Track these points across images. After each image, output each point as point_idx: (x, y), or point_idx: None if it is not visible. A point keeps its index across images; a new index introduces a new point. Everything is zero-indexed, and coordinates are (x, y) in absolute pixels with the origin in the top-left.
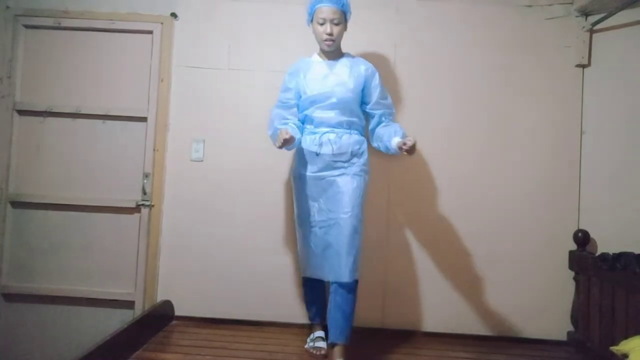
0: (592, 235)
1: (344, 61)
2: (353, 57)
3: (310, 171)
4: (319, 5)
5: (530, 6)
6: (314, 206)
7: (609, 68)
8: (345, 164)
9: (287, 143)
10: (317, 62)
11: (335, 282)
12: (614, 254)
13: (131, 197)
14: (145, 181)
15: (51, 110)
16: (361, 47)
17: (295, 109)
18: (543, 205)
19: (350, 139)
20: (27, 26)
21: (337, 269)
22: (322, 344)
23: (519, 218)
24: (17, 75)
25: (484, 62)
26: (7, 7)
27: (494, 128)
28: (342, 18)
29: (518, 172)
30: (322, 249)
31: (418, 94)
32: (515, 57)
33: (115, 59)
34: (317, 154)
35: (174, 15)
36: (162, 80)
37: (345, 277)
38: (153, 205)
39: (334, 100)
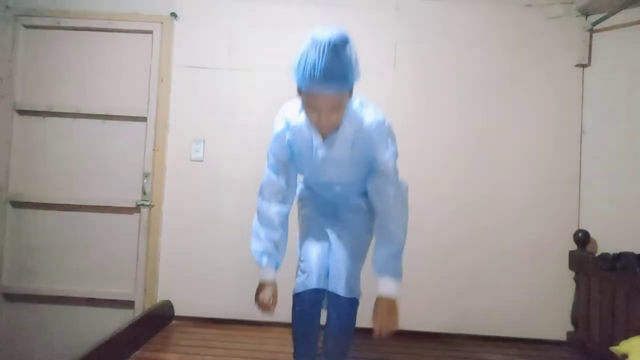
0: (592, 235)
1: (343, 135)
2: (355, 117)
3: (316, 205)
4: (307, 89)
5: (530, 6)
6: (326, 216)
7: (609, 68)
8: (354, 205)
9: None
10: (308, 137)
11: (333, 301)
12: (614, 254)
13: (131, 197)
14: (145, 181)
15: (51, 110)
16: (361, 47)
17: (286, 179)
18: (543, 206)
19: (355, 196)
20: (26, 26)
21: (335, 280)
22: None
23: (519, 218)
24: (17, 75)
25: (484, 62)
26: (7, 7)
27: (494, 128)
28: (345, 95)
29: (518, 172)
30: (323, 256)
31: (418, 94)
32: (516, 56)
33: (115, 59)
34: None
35: (173, 15)
36: (162, 80)
37: (342, 291)
38: (153, 205)
39: (336, 186)
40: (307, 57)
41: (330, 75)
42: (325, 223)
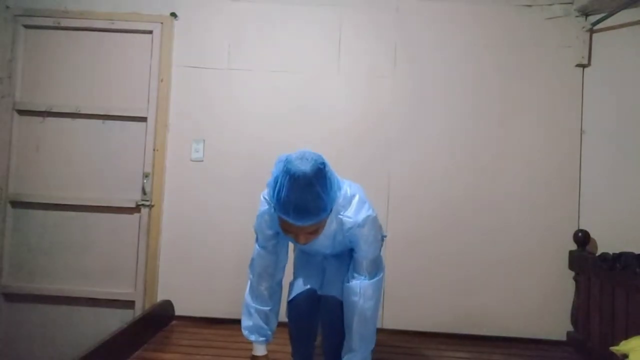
0: (592, 235)
1: (324, 234)
2: (336, 220)
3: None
4: (283, 216)
5: (530, 6)
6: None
7: (609, 68)
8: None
9: None
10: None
11: (326, 307)
12: (614, 254)
13: (131, 197)
14: (145, 181)
15: (51, 110)
16: (361, 47)
17: (275, 250)
18: (543, 205)
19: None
20: (26, 26)
21: (331, 284)
22: None
23: (519, 218)
24: (17, 75)
25: (484, 62)
26: (7, 7)
27: (494, 128)
28: (321, 222)
29: (518, 172)
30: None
31: (418, 94)
32: (515, 56)
33: (115, 59)
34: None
35: (173, 15)
36: (162, 80)
37: (336, 292)
38: (153, 205)
39: (326, 252)
40: (281, 190)
41: (305, 212)
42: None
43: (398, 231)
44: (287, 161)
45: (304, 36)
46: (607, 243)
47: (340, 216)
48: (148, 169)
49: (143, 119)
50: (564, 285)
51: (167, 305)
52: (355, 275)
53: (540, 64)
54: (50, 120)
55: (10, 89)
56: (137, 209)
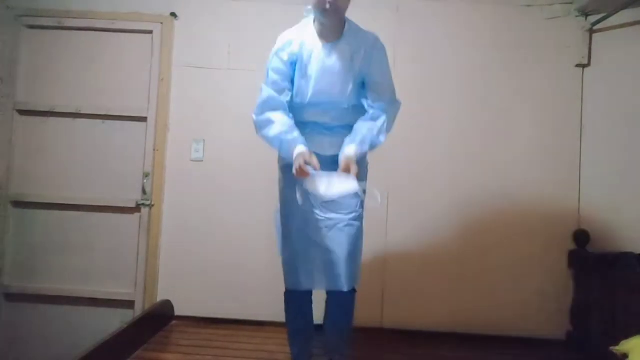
0: (592, 235)
1: (343, 45)
2: (355, 30)
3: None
4: None
5: (530, 6)
6: (307, 204)
7: (609, 68)
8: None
9: (303, 175)
10: (316, 50)
11: (332, 292)
12: (614, 253)
13: (131, 197)
14: (145, 181)
15: (52, 110)
16: None
17: (286, 97)
18: (543, 205)
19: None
20: (28, 26)
21: (335, 276)
22: None
23: (518, 218)
24: (18, 76)
25: (484, 62)
26: (9, 8)
27: (494, 128)
28: None
29: (518, 172)
30: (317, 252)
31: (418, 94)
32: (516, 56)
33: (116, 59)
34: (315, 153)
35: (174, 15)
36: (162, 80)
37: (345, 286)
38: (153, 205)
39: (329, 108)
40: None
41: None
42: (311, 206)
43: (398, 231)
44: None
45: None
46: (607, 243)
47: (358, 27)
48: (148, 169)
49: (143, 119)
50: (564, 284)
51: (167, 305)
52: (374, 105)
53: (540, 64)
54: (52, 120)
55: (12, 89)
56: (137, 209)
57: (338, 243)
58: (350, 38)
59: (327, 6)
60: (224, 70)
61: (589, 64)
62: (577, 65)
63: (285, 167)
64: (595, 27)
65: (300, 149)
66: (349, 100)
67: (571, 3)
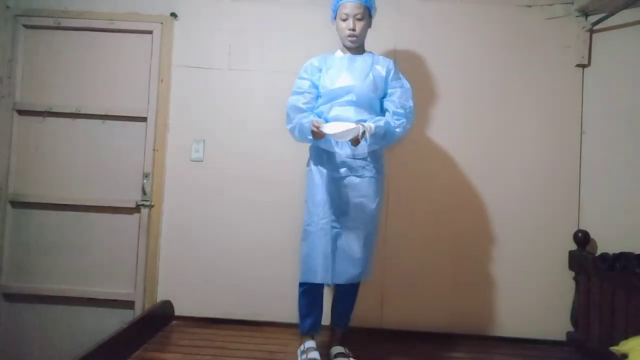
0: (592, 235)
1: (365, 57)
2: (375, 55)
3: (327, 168)
4: (342, 1)
5: (530, 6)
6: (326, 205)
7: (609, 68)
8: (364, 164)
9: (316, 136)
10: (339, 57)
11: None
12: (614, 254)
13: (131, 197)
14: (145, 181)
15: (51, 110)
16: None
17: (310, 97)
18: (543, 206)
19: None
20: (26, 26)
21: (349, 271)
22: (316, 354)
23: (518, 218)
24: (17, 75)
25: (484, 62)
26: (7, 7)
27: (494, 128)
28: (366, 14)
29: (518, 172)
30: (333, 250)
31: (418, 94)
32: (516, 56)
33: (115, 59)
34: (335, 152)
35: (173, 15)
36: (162, 80)
37: (357, 279)
38: (153, 205)
39: (352, 96)
40: None
41: None
42: (330, 207)
43: (397, 231)
44: None
45: (304, 36)
46: (607, 243)
47: (380, 55)
48: (148, 169)
49: (143, 119)
50: (564, 285)
51: (167, 305)
52: (396, 110)
53: (540, 64)
54: (50, 120)
55: (10, 89)
56: (137, 209)
57: (351, 241)
58: (370, 56)
59: (347, 33)
60: (224, 70)
61: (589, 64)
62: (577, 65)
63: (313, 172)
64: (595, 27)
65: (311, 117)
66: (369, 89)
67: (571, 3)
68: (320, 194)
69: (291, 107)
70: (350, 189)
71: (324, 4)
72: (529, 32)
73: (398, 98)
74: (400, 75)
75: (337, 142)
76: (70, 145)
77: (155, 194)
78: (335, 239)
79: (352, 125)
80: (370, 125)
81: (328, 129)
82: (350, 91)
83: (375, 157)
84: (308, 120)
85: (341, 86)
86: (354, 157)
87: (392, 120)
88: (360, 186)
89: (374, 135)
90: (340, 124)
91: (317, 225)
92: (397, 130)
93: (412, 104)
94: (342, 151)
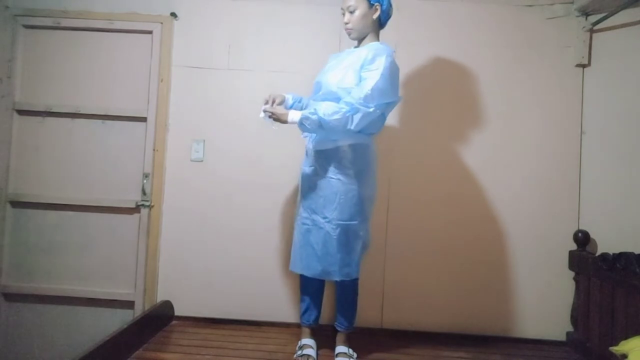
0: (592, 235)
1: (360, 49)
2: (373, 43)
3: (304, 165)
4: None
5: (530, 6)
6: (301, 202)
7: (609, 68)
8: (328, 162)
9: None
10: (338, 53)
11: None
12: (614, 254)
13: (131, 198)
14: (145, 181)
15: (50, 110)
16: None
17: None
18: (543, 206)
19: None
20: (26, 26)
21: (314, 267)
22: (311, 352)
23: (518, 218)
24: (17, 75)
25: (484, 62)
26: (6, 7)
27: (494, 128)
28: (360, 5)
29: (518, 172)
30: (303, 245)
31: (417, 94)
32: (516, 56)
33: (115, 59)
34: (310, 149)
35: (173, 15)
36: (161, 80)
37: (327, 277)
38: (153, 206)
39: (322, 91)
40: None
41: None
42: (302, 204)
43: (398, 231)
44: None
45: (304, 36)
46: (607, 243)
47: (384, 44)
48: (148, 169)
49: (143, 119)
50: (564, 285)
51: (167, 305)
52: (349, 95)
53: (540, 64)
54: (50, 120)
55: (10, 89)
56: (137, 209)
57: (314, 239)
58: (365, 47)
59: (344, 26)
60: (224, 70)
61: (589, 64)
62: (577, 65)
63: (304, 168)
64: (595, 27)
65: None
66: (334, 84)
67: (571, 3)
68: (301, 191)
69: None
70: (317, 188)
71: (324, 3)
72: (529, 32)
73: (357, 87)
74: (378, 60)
75: (306, 136)
76: (70, 145)
77: (155, 194)
78: (305, 234)
79: (266, 106)
80: (297, 113)
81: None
82: (320, 86)
83: (339, 154)
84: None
85: (316, 81)
86: (317, 155)
87: (333, 105)
88: (322, 185)
89: (302, 123)
90: (265, 106)
91: (298, 221)
92: (332, 119)
93: (369, 92)
94: (309, 145)
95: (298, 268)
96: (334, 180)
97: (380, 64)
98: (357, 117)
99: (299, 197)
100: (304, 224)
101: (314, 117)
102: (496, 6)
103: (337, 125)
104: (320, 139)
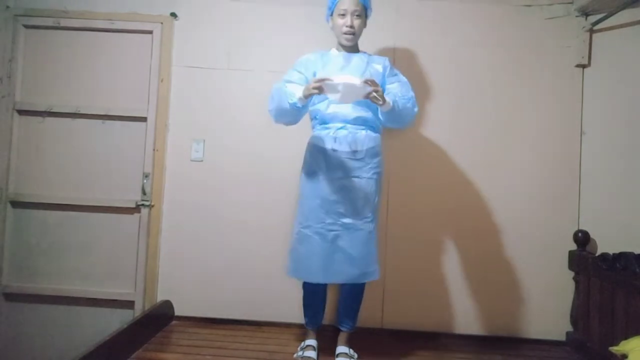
0: (592, 235)
1: (361, 56)
2: (370, 54)
3: (324, 169)
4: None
5: (530, 6)
6: (323, 208)
7: (609, 68)
8: (361, 164)
9: (314, 91)
10: (335, 55)
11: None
12: (614, 254)
13: (131, 197)
14: (145, 181)
15: (51, 110)
16: (361, 46)
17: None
18: (543, 206)
19: (366, 136)
20: (26, 26)
21: (348, 271)
22: (312, 354)
23: (519, 218)
24: (17, 75)
25: (483, 62)
26: (7, 7)
27: (494, 128)
28: (363, 12)
29: (518, 172)
30: (331, 252)
31: (417, 94)
32: (515, 57)
33: (115, 59)
34: (334, 150)
35: (173, 15)
36: (162, 80)
37: (359, 280)
38: (153, 206)
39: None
40: None
41: None
42: (327, 210)
43: (398, 231)
44: None
45: (303, 36)
46: (607, 243)
47: (374, 54)
48: (148, 169)
49: (143, 119)
50: (564, 285)
51: (167, 305)
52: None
53: (540, 64)
54: (50, 120)
55: (10, 89)
56: (137, 209)
57: (350, 242)
58: (365, 55)
59: (345, 30)
60: (223, 70)
61: (589, 64)
62: (577, 65)
63: (308, 174)
64: (595, 27)
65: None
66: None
67: (571, 3)
68: (318, 197)
69: (276, 89)
70: (349, 191)
71: (324, 4)
72: (528, 32)
73: (399, 90)
74: (397, 72)
75: (335, 138)
76: (70, 145)
77: (155, 194)
78: (334, 241)
79: (358, 81)
80: (388, 100)
81: (338, 78)
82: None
83: (372, 155)
84: (291, 87)
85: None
86: (351, 156)
87: (404, 96)
88: (359, 187)
89: (392, 109)
90: (344, 76)
91: (313, 229)
92: (415, 109)
93: (413, 94)
94: (339, 147)
95: (317, 278)
96: (372, 180)
97: (400, 74)
98: (415, 113)
99: (306, 206)
100: (330, 230)
101: (402, 104)
102: (496, 6)
103: (413, 117)
104: (386, 119)
